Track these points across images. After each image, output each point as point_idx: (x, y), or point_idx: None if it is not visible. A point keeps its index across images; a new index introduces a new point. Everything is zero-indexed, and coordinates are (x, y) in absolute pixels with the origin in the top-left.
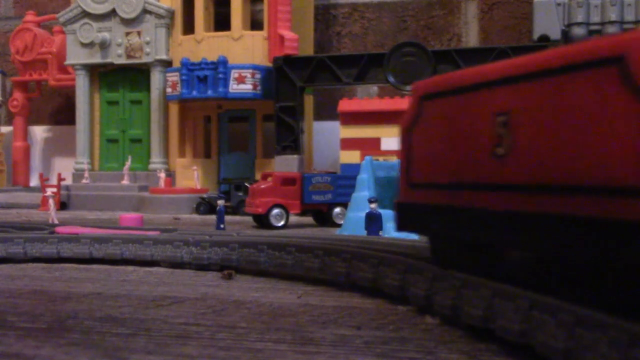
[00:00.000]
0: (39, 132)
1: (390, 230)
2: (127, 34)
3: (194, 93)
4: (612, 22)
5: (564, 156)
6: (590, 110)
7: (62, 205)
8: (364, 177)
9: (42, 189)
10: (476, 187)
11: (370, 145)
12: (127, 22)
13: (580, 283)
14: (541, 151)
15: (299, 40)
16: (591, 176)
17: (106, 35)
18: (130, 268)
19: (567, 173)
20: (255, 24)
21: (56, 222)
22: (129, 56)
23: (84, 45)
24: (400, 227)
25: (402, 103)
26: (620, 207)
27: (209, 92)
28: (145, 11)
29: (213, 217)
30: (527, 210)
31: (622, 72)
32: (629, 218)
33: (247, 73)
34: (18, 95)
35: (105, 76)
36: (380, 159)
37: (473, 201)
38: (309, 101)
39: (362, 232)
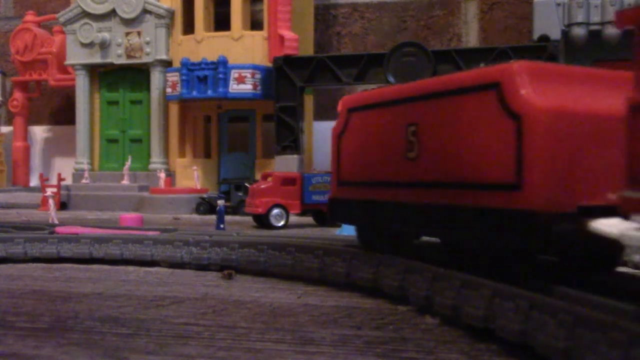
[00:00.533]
0: (39, 132)
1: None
2: (127, 34)
3: (194, 93)
4: (612, 22)
5: (460, 159)
6: (477, 124)
7: (62, 205)
8: None
9: (42, 189)
10: (393, 185)
11: None
12: (127, 22)
13: (475, 256)
14: (442, 155)
15: (299, 40)
16: (479, 174)
17: (106, 35)
18: (131, 268)
19: (462, 172)
20: (255, 24)
21: (56, 222)
22: (129, 56)
23: (84, 45)
24: (332, 219)
25: None
26: (495, 199)
27: (209, 92)
28: (145, 11)
29: (213, 217)
30: (434, 203)
31: (498, 95)
32: (508, 207)
33: (247, 73)
34: (18, 95)
35: (105, 76)
36: None
37: (390, 196)
38: (309, 101)
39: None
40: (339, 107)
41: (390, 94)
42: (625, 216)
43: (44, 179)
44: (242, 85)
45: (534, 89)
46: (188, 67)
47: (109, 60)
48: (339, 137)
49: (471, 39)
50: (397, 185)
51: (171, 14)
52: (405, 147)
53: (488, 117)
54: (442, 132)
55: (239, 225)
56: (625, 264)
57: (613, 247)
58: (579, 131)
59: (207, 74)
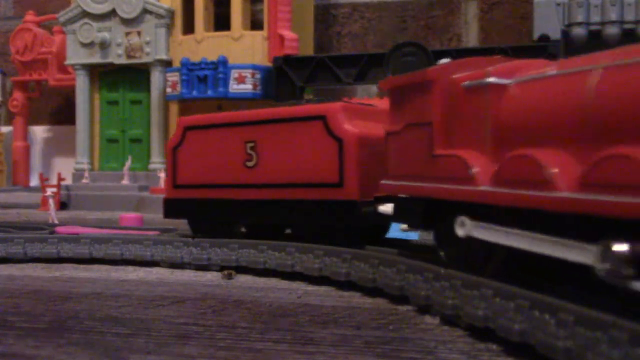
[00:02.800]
0: (39, 132)
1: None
2: (127, 34)
3: (194, 93)
4: (612, 22)
5: (299, 167)
6: (310, 142)
7: (62, 205)
8: None
9: (42, 189)
10: (233, 186)
11: None
12: (127, 22)
13: (309, 231)
14: (280, 164)
15: (299, 40)
16: (313, 177)
17: (106, 35)
18: (130, 268)
19: (294, 176)
20: (255, 24)
21: (56, 222)
22: (129, 56)
23: (84, 45)
24: (166, 215)
25: None
26: (327, 194)
27: (209, 92)
28: (145, 11)
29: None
30: (273, 198)
31: (325, 124)
32: (332, 198)
33: (247, 73)
34: (18, 95)
35: (105, 76)
36: None
37: (231, 195)
38: None
39: None
40: (179, 124)
41: (228, 118)
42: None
43: (44, 178)
44: (242, 85)
45: (348, 121)
46: (188, 67)
47: (109, 60)
48: (174, 149)
49: (471, 39)
50: (236, 186)
51: (171, 13)
52: (244, 158)
53: (318, 138)
54: (279, 147)
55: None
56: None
57: (380, 225)
58: (372, 148)
59: (207, 74)
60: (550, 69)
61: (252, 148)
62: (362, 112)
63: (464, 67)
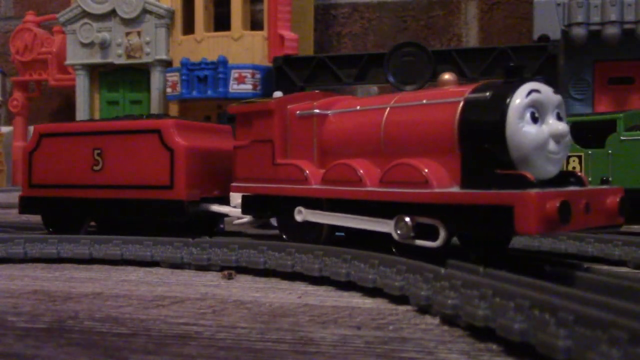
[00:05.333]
0: None
1: None
2: (127, 34)
3: (194, 93)
4: (612, 22)
5: (140, 171)
6: (147, 151)
7: None
8: None
9: None
10: (82, 187)
11: None
12: (127, 22)
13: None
14: (124, 168)
15: (299, 40)
16: (150, 180)
17: (106, 35)
18: (130, 268)
19: (135, 179)
20: (255, 24)
21: None
22: (129, 56)
23: (84, 45)
24: (21, 211)
25: None
26: (160, 194)
27: (209, 92)
28: (145, 11)
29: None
30: (113, 198)
31: (160, 136)
32: (163, 198)
33: (247, 73)
34: (18, 95)
35: (105, 76)
36: None
37: (80, 194)
38: None
39: None
40: (35, 131)
41: (79, 127)
42: (230, 198)
43: None
44: (242, 85)
45: (178, 134)
46: (188, 67)
47: (109, 60)
48: (30, 153)
49: (471, 39)
50: (85, 187)
51: (171, 14)
52: (92, 163)
53: (154, 148)
54: (122, 154)
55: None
56: (625, 264)
57: (215, 218)
58: (200, 158)
59: (207, 74)
60: (358, 104)
61: (99, 154)
62: (193, 128)
63: (295, 100)
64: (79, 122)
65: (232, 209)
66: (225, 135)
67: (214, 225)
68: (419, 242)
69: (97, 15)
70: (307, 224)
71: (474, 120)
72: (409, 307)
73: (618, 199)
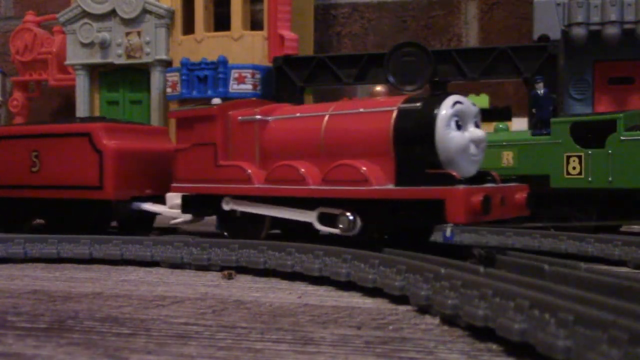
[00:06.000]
0: None
1: None
2: (127, 34)
3: (194, 93)
4: (612, 22)
5: (73, 172)
6: (79, 153)
7: None
8: None
9: None
10: (22, 187)
11: None
12: (127, 22)
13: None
14: (59, 170)
15: (299, 40)
16: (82, 181)
17: (106, 35)
18: (130, 268)
19: (68, 180)
20: (255, 24)
21: None
22: (129, 56)
23: (84, 45)
24: None
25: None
26: (91, 194)
27: (209, 92)
28: (145, 11)
29: (213, 217)
30: (49, 198)
31: (90, 139)
32: (93, 198)
33: (247, 73)
34: (18, 95)
35: (105, 76)
36: None
37: (19, 194)
38: (308, 101)
39: None
40: None
41: (19, 130)
42: (167, 198)
43: None
44: (242, 85)
45: (107, 137)
46: (188, 67)
47: (109, 60)
48: None
49: (471, 39)
50: (25, 187)
51: (171, 14)
52: (30, 164)
53: (85, 150)
54: (57, 156)
55: None
56: (625, 264)
57: (150, 216)
58: (130, 159)
59: (207, 74)
60: (298, 111)
61: (36, 156)
62: (125, 130)
63: (236, 107)
64: (20, 126)
65: (166, 209)
66: (161, 136)
67: (151, 222)
68: (330, 230)
69: (97, 15)
70: (247, 221)
71: (407, 127)
72: (409, 307)
73: (525, 195)
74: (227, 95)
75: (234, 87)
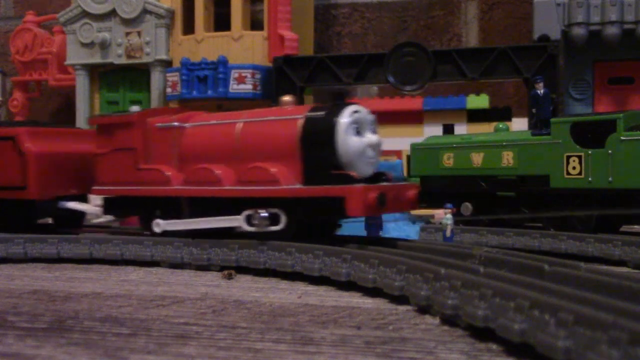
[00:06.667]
0: None
1: (390, 231)
2: (127, 34)
3: (194, 93)
4: (612, 22)
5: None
6: (5, 156)
7: None
8: None
9: None
10: None
11: None
12: (127, 22)
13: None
14: None
15: (299, 40)
16: (9, 182)
17: (106, 35)
18: (130, 268)
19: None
20: (255, 24)
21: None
22: (129, 56)
23: (84, 45)
24: None
25: (401, 103)
26: (17, 194)
27: (209, 92)
28: (145, 11)
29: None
30: None
31: (14, 143)
32: (19, 198)
33: (247, 73)
34: (18, 95)
35: (105, 76)
36: (381, 159)
37: None
38: (308, 101)
39: (361, 232)
40: None
41: None
42: (89, 199)
43: None
44: (242, 85)
45: (30, 141)
46: (188, 67)
47: (109, 60)
48: None
49: (471, 39)
50: None
51: (171, 14)
52: None
53: (11, 154)
54: None
55: None
56: (625, 264)
57: (76, 215)
58: (54, 160)
59: (207, 74)
60: (214, 118)
61: None
62: (50, 133)
63: (154, 114)
64: None
65: (90, 207)
66: (87, 139)
67: (80, 219)
68: (270, 229)
69: (97, 15)
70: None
71: (312, 133)
72: (409, 307)
73: (415, 192)
74: (227, 96)
75: (234, 87)
